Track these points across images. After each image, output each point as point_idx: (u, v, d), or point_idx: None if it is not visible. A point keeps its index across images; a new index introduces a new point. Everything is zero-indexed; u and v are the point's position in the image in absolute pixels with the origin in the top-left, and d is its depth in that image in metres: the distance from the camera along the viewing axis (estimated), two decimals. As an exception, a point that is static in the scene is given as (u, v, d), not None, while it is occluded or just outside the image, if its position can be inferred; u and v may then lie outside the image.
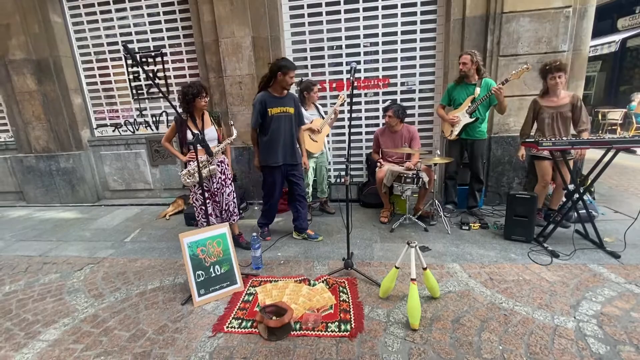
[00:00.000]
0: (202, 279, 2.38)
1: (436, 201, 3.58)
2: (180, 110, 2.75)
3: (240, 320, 2.13)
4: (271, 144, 3.03)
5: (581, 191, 2.87)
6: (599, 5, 4.04)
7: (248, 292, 2.46)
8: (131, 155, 5.01)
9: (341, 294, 2.35)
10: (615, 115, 8.78)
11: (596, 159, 2.83)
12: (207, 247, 2.43)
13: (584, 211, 2.97)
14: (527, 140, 2.92)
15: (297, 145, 3.20)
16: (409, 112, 3.98)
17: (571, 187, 2.97)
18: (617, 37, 9.70)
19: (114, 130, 5.15)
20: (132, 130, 5.10)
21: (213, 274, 2.43)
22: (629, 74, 11.21)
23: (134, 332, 2.09)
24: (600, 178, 2.95)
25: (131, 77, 4.90)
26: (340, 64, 4.44)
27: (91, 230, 3.98)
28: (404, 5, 4.12)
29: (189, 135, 2.68)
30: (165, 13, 4.55)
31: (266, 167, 3.11)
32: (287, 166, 3.13)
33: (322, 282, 2.49)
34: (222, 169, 2.98)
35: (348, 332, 1.96)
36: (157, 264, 3.02)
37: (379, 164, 3.72)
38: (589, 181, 2.99)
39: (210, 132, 2.89)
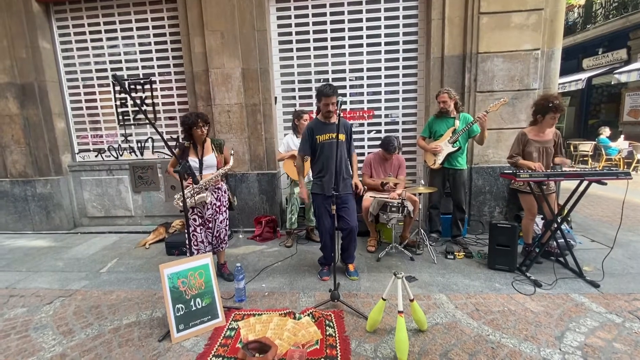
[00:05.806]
0: (181, 312, 2.28)
1: (422, 230, 3.62)
2: (167, 137, 2.76)
3: (221, 358, 2.03)
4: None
5: (559, 220, 2.97)
6: (565, 47, 4.39)
7: (230, 326, 2.36)
8: (113, 181, 4.89)
9: (327, 327, 2.28)
10: (586, 147, 9.29)
11: (571, 189, 2.96)
12: (188, 278, 2.35)
13: (563, 240, 3.06)
14: (506, 172, 3.04)
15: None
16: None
17: (539, 219, 3.06)
18: (583, 76, 10.48)
19: (96, 156, 5.05)
20: (115, 155, 5.02)
21: (193, 308, 2.32)
22: (596, 109, 12.05)
23: (104, 373, 1.95)
24: (576, 208, 3.07)
25: (118, 103, 4.88)
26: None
27: (64, 260, 3.78)
28: (387, 44, 4.38)
29: (190, 161, 2.71)
30: (156, 43, 4.64)
31: None
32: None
33: (308, 315, 2.42)
34: (217, 196, 2.95)
35: (334, 369, 1.89)
36: (134, 296, 2.87)
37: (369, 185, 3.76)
38: (566, 211, 3.11)
39: (210, 159, 2.90)
